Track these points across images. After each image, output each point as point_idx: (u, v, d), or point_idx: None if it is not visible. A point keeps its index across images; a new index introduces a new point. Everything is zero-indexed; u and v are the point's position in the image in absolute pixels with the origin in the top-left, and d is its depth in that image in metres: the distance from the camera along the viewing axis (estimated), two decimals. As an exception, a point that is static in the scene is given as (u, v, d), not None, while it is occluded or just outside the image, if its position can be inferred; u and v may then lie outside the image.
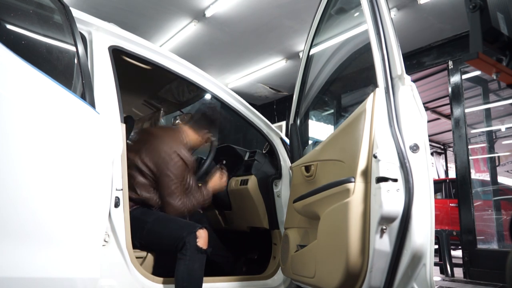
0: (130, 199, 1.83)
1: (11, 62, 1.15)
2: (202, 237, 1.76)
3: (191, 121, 2.16)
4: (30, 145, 1.18)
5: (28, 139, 1.17)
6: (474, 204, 4.32)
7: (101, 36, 1.72)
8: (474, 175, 5.21)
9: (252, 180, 2.27)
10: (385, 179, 1.36)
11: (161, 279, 1.74)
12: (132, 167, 1.90)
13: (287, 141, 2.33)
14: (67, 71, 1.52)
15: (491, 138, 5.84)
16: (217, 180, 2.21)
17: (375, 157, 1.38)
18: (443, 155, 11.39)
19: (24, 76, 1.19)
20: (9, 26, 1.40)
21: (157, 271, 1.84)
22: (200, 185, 2.15)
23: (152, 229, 1.82)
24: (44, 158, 1.21)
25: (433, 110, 7.87)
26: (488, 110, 5.33)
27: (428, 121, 8.01)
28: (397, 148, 1.40)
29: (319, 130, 6.02)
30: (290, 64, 5.76)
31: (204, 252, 1.76)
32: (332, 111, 5.65)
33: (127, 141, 1.96)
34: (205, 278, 1.78)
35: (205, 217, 2.33)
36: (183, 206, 1.93)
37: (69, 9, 1.53)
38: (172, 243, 1.76)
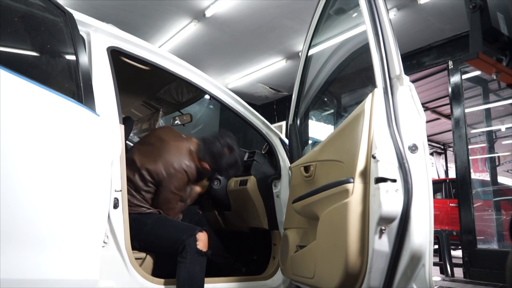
0: (130, 202, 1.83)
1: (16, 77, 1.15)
2: (202, 240, 1.77)
3: (203, 147, 2.07)
4: (31, 148, 1.18)
5: (30, 141, 1.18)
6: (474, 204, 4.31)
7: (99, 37, 1.72)
8: (474, 175, 5.20)
9: (251, 181, 2.27)
10: (384, 180, 1.35)
11: (160, 280, 1.74)
12: (134, 171, 1.91)
13: (286, 141, 2.32)
14: (67, 73, 1.52)
15: (491, 138, 5.83)
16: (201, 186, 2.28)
17: (374, 157, 1.38)
18: (443, 155, 11.39)
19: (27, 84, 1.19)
20: (7, 28, 1.39)
21: (156, 272, 1.84)
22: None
23: (152, 231, 1.81)
24: (45, 160, 1.21)
25: (433, 110, 7.86)
26: (488, 110, 5.32)
27: (428, 121, 8.02)
28: (395, 148, 1.40)
29: (318, 130, 6.01)
30: (290, 64, 5.76)
31: (205, 255, 1.76)
32: (331, 111, 5.65)
33: (126, 141, 1.95)
34: (205, 279, 1.77)
35: (204, 218, 2.32)
36: (173, 213, 2.00)
37: (69, 12, 1.53)
38: (172, 245, 1.76)
